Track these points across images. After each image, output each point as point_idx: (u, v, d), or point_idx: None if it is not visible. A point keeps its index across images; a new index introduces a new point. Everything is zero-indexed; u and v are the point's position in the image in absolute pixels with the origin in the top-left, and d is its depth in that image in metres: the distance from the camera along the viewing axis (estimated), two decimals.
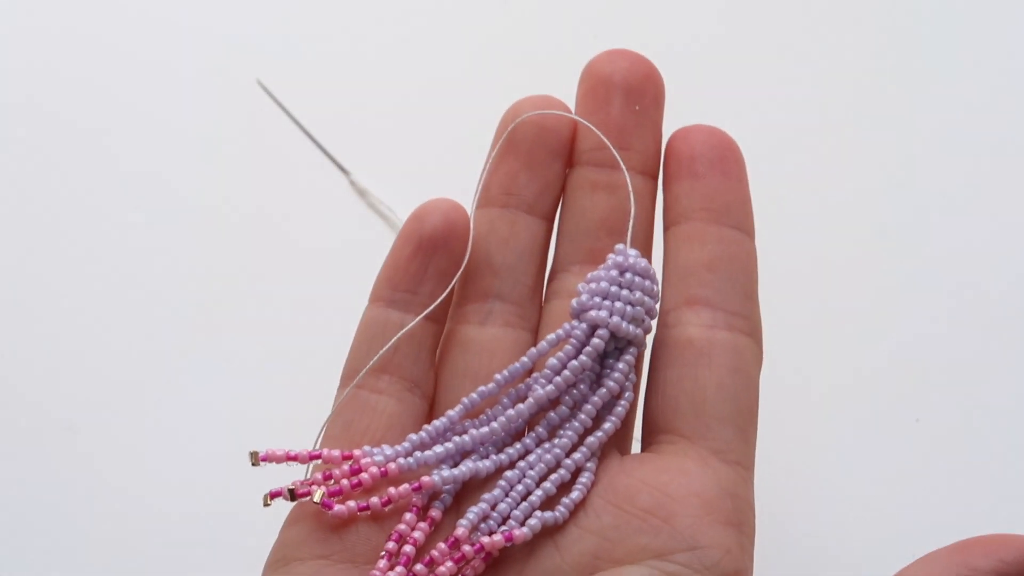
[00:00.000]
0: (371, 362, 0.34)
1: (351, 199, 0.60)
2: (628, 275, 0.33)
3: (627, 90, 0.35)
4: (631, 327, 0.33)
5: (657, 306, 0.34)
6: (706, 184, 0.35)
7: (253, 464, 0.33)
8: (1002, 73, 0.62)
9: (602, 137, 0.35)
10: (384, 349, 0.34)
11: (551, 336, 0.34)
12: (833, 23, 0.64)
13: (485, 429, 0.33)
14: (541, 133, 0.35)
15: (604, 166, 0.35)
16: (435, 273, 0.34)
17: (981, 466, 0.53)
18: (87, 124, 0.62)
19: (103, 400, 0.55)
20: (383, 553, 0.31)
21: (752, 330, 0.34)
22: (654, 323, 0.34)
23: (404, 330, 0.34)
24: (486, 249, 0.35)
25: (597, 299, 0.33)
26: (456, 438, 0.33)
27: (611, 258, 0.34)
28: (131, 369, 0.56)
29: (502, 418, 0.33)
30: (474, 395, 0.33)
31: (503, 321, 0.35)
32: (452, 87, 0.63)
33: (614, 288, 0.33)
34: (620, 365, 0.33)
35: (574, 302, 0.34)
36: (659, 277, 0.35)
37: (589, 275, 0.34)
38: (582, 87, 0.36)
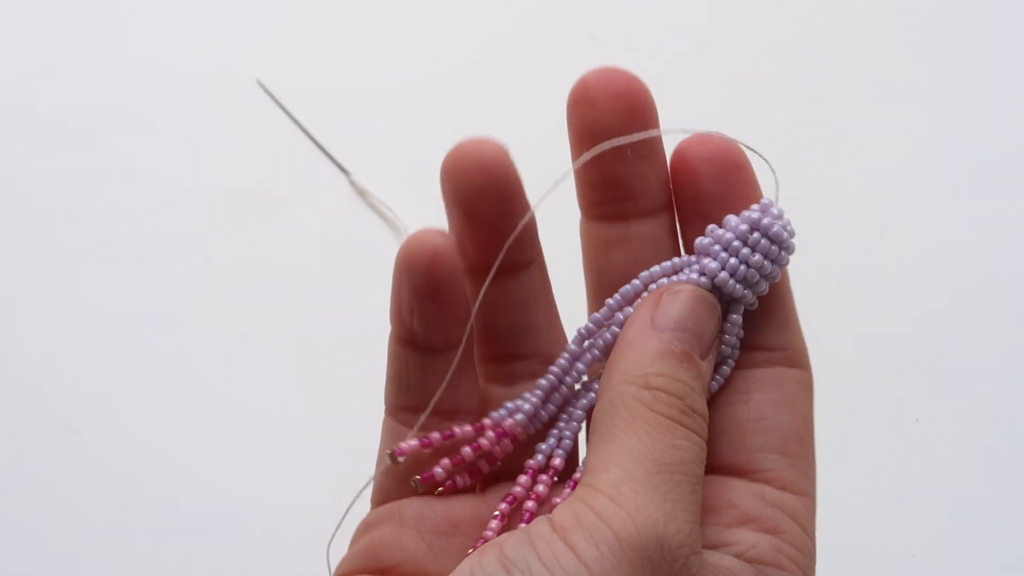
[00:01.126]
0: (421, 418, 0.33)
1: (351, 199, 0.60)
2: (756, 235, 0.32)
3: (618, 130, 0.31)
4: (739, 287, 0.33)
5: (778, 272, 0.33)
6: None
7: (392, 462, 0.32)
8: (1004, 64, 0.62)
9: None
10: (426, 412, 0.33)
11: (666, 264, 0.33)
12: (835, 20, 0.64)
13: (587, 355, 0.33)
14: (484, 184, 0.31)
15: (611, 220, 0.33)
16: (443, 313, 0.32)
17: (981, 466, 0.53)
18: (88, 126, 0.62)
19: (103, 401, 0.55)
20: (496, 513, 0.32)
21: (792, 360, 0.33)
22: (766, 286, 0.33)
23: (441, 388, 0.32)
24: (490, 316, 0.33)
25: (717, 247, 0.32)
26: (560, 360, 0.33)
27: (748, 213, 0.32)
28: (132, 370, 0.56)
29: (600, 341, 0.33)
30: (596, 315, 0.33)
31: (529, 374, 0.34)
32: (452, 87, 0.63)
33: (736, 243, 0.32)
34: (727, 324, 0.33)
35: (705, 241, 0.32)
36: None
37: (726, 218, 0.32)
38: (571, 131, 0.32)
